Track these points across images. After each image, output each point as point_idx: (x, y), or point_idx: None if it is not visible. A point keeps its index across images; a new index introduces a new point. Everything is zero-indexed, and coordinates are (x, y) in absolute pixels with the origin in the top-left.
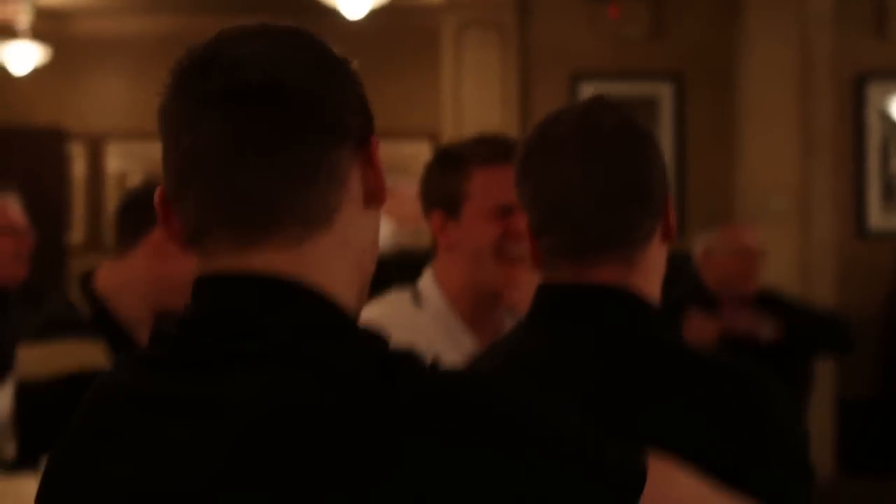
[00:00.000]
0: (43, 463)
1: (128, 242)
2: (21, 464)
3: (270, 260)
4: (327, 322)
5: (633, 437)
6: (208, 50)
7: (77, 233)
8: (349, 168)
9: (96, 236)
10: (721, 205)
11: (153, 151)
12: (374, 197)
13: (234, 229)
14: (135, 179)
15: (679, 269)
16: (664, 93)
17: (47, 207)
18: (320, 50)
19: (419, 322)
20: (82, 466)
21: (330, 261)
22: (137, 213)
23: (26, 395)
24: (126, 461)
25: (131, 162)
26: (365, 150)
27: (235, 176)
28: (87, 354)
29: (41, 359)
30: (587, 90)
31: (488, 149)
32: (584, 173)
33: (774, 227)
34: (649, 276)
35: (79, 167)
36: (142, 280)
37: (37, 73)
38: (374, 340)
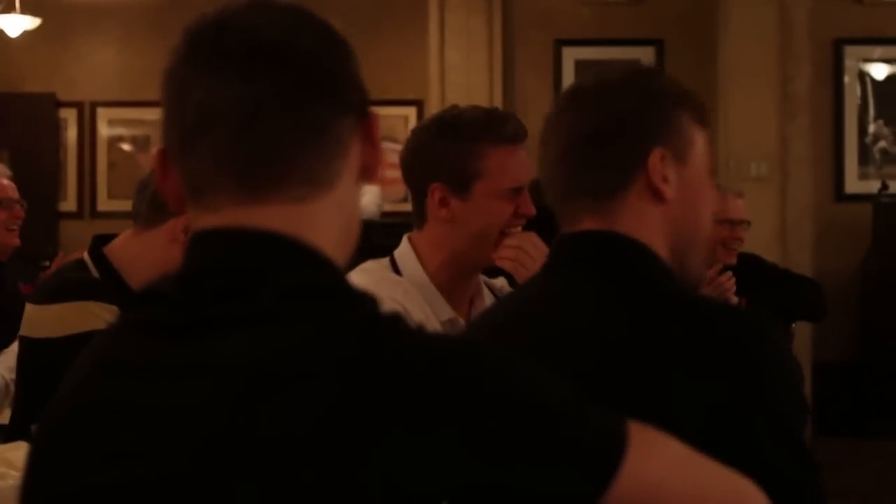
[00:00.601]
0: (33, 431)
1: (153, 220)
2: (16, 430)
3: (271, 217)
4: (322, 281)
5: (642, 378)
6: (221, 17)
7: (69, 199)
8: (350, 139)
9: (88, 202)
10: None
11: (144, 117)
12: (368, 173)
13: (243, 183)
14: (125, 145)
15: None
16: (646, 58)
17: (40, 174)
18: (324, 25)
19: (400, 291)
20: (75, 437)
21: (327, 222)
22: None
23: (34, 356)
24: (123, 431)
25: (122, 128)
26: (364, 126)
27: (251, 132)
28: (101, 316)
29: (52, 319)
30: (570, 55)
31: (505, 127)
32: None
33: (754, 192)
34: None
35: (71, 134)
36: (155, 260)
37: (28, 40)
38: (366, 301)
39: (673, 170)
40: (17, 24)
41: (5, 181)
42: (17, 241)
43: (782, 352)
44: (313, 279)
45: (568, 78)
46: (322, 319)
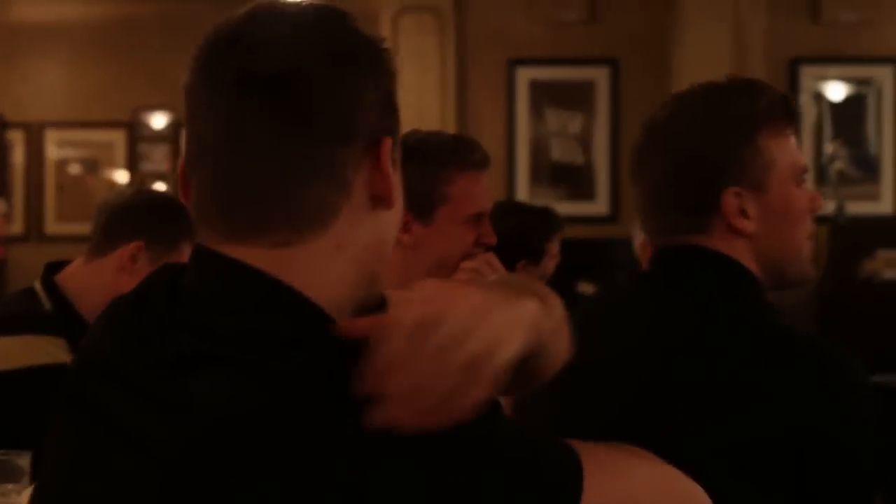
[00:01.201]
0: None
1: (103, 248)
2: None
3: (257, 257)
4: (295, 331)
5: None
6: (233, 31)
7: (16, 222)
8: (355, 169)
9: (35, 225)
10: None
11: (93, 139)
12: (382, 201)
13: (227, 223)
14: (74, 167)
15: (620, 255)
16: (600, 78)
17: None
18: (349, 36)
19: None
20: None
21: (321, 264)
22: (121, 221)
23: None
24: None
25: (71, 150)
26: (374, 151)
27: (234, 168)
28: (49, 350)
29: (2, 352)
30: (524, 75)
31: (473, 154)
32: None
33: None
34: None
35: (17, 155)
36: (105, 288)
37: None
38: (335, 355)
39: (752, 203)
40: None
41: None
42: None
43: (859, 380)
44: (282, 327)
45: (522, 98)
46: (255, 369)
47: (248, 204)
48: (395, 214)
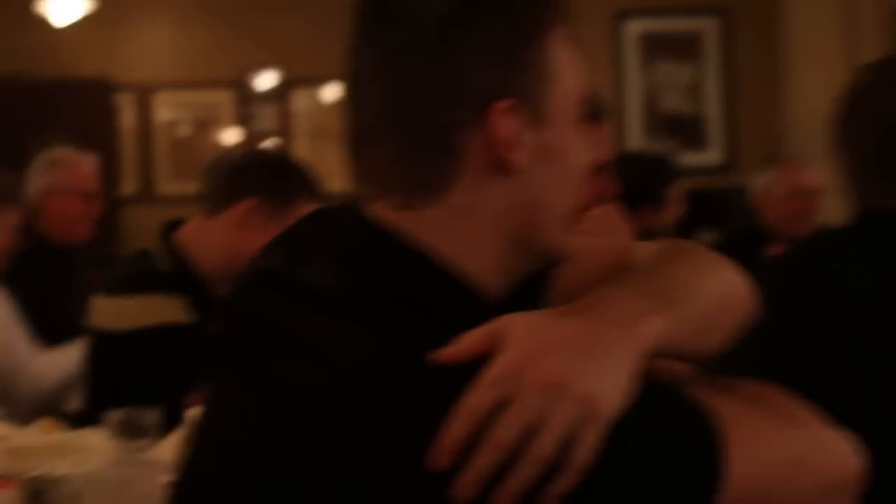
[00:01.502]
0: (108, 417)
1: (218, 206)
2: (86, 417)
3: (391, 218)
4: (438, 299)
5: None
6: None
7: (128, 184)
8: (464, 134)
9: (147, 187)
10: (772, 141)
11: (201, 99)
12: (501, 167)
13: (362, 183)
14: (184, 128)
15: (735, 204)
16: (709, 28)
17: (97, 159)
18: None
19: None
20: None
21: (447, 230)
22: (235, 179)
23: (102, 348)
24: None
25: (180, 111)
26: (489, 115)
27: (356, 130)
28: (165, 309)
29: (119, 312)
30: (631, 28)
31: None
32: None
33: (825, 163)
34: None
35: (127, 118)
36: (222, 246)
37: (82, 24)
38: (464, 319)
39: None
40: (71, 7)
41: (89, 171)
42: (88, 236)
43: None
44: (415, 291)
45: (631, 50)
46: (399, 333)
47: (369, 169)
48: (549, 174)
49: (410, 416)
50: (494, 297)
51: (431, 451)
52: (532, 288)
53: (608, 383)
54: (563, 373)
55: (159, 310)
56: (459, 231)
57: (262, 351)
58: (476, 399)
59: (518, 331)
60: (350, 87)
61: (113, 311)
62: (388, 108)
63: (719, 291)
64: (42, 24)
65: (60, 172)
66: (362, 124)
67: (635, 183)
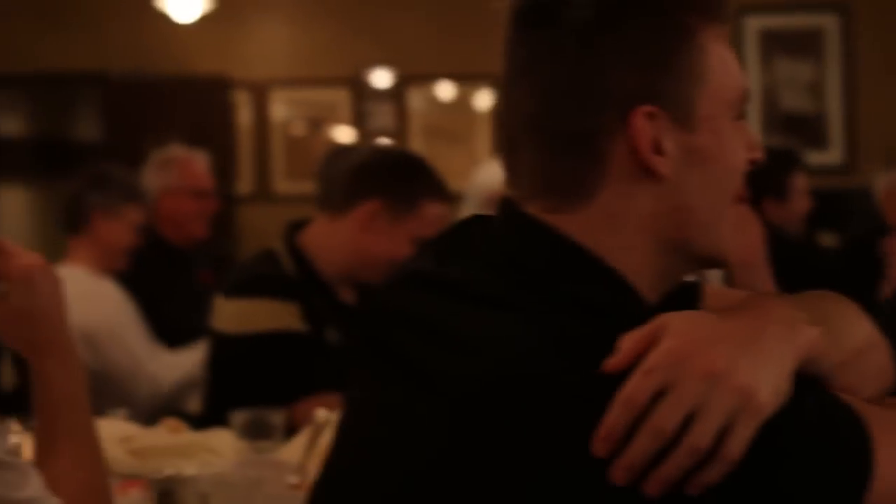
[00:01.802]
0: (231, 418)
1: (342, 207)
2: (207, 418)
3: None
4: (599, 298)
5: None
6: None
7: (244, 182)
8: (609, 140)
9: (263, 186)
10: (894, 140)
11: (317, 97)
12: (646, 172)
13: (512, 185)
14: (299, 126)
15: (856, 205)
16: (830, 25)
17: (213, 157)
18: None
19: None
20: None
21: (597, 234)
22: (359, 180)
23: (220, 350)
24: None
25: (295, 109)
26: (632, 120)
27: (507, 138)
28: (282, 316)
29: (238, 315)
30: (750, 24)
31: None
32: None
33: None
34: None
35: (244, 115)
36: (344, 247)
37: (201, 22)
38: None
39: None
40: (190, 5)
41: (203, 169)
42: (204, 234)
43: None
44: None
45: (751, 46)
46: (556, 328)
47: (517, 171)
48: (699, 177)
49: (571, 406)
50: (649, 300)
51: (590, 440)
52: (685, 294)
53: (767, 378)
54: (724, 363)
55: (277, 315)
56: (609, 235)
57: (415, 348)
58: (636, 386)
59: (679, 323)
60: (501, 91)
61: (232, 314)
62: (533, 113)
63: (867, 336)
64: (160, 21)
65: (173, 171)
66: (511, 128)
67: (757, 174)
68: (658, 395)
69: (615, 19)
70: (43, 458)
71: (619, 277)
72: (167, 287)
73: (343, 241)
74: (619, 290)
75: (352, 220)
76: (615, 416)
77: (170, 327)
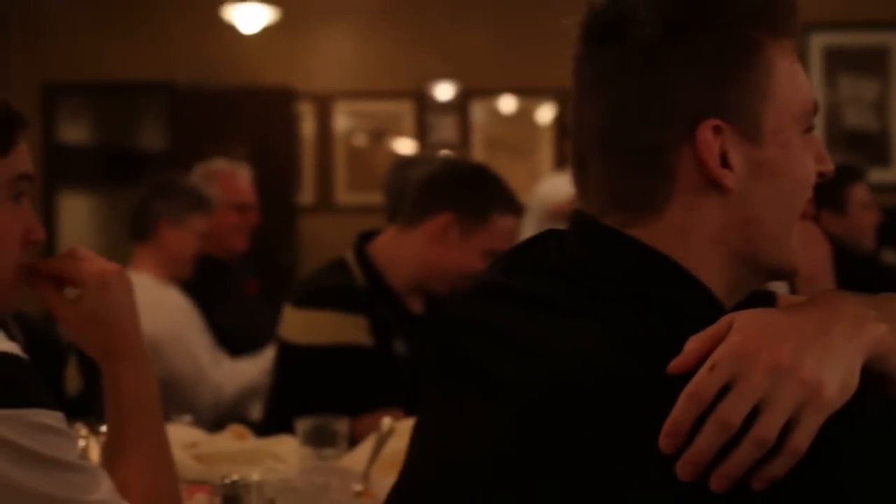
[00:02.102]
0: (296, 425)
1: (413, 219)
2: (270, 424)
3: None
4: (674, 302)
5: None
6: (606, 8)
7: (307, 192)
8: (676, 154)
9: (325, 196)
10: None
11: (380, 109)
12: (713, 186)
13: (584, 203)
14: (361, 138)
15: None
16: (895, 42)
17: (277, 167)
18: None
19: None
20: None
21: (668, 248)
22: (431, 192)
23: (286, 358)
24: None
25: (358, 120)
26: (698, 134)
27: (577, 153)
28: (349, 329)
29: (305, 325)
30: (815, 41)
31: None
32: None
33: None
34: None
35: (307, 126)
36: (414, 259)
37: (265, 34)
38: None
39: None
40: (256, 16)
41: (245, 184)
42: (245, 247)
43: None
44: (648, 292)
45: (815, 64)
46: (626, 330)
47: (588, 185)
48: (767, 190)
49: (637, 406)
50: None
51: (656, 439)
52: (760, 302)
53: (834, 372)
54: (791, 357)
55: (344, 328)
56: (680, 248)
57: (483, 355)
58: (702, 380)
59: (745, 319)
60: (570, 108)
61: (300, 324)
62: (602, 128)
63: None
64: (226, 32)
65: (216, 185)
66: (581, 145)
67: (815, 188)
68: (724, 390)
69: (682, 35)
70: (113, 462)
71: (698, 282)
72: (212, 298)
73: (414, 253)
74: (699, 294)
75: (423, 232)
76: (681, 411)
77: (216, 338)
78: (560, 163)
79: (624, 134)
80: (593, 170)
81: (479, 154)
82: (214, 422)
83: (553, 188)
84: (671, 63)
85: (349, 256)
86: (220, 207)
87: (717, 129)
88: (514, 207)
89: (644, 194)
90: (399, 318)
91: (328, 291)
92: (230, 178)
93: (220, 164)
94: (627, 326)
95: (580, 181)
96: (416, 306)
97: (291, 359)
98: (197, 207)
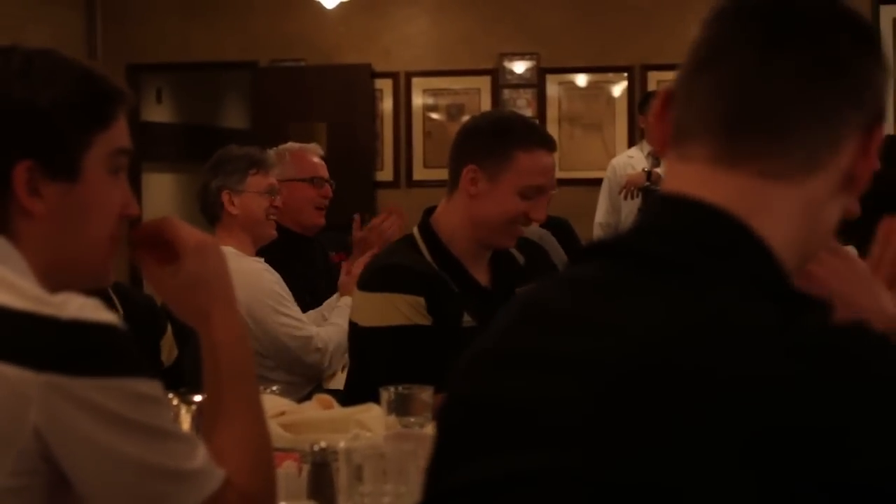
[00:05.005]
0: (381, 393)
1: (452, 182)
2: (353, 396)
3: (731, 189)
4: (745, 274)
5: None
6: None
7: (385, 168)
8: (849, 137)
9: (405, 172)
10: None
11: (457, 86)
12: (852, 184)
13: (726, 132)
14: (439, 114)
15: None
16: None
17: (356, 144)
18: (865, 22)
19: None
20: (483, 379)
21: (782, 214)
22: (455, 152)
23: (356, 340)
24: (520, 377)
25: (436, 97)
26: (868, 135)
27: (752, 79)
28: (405, 311)
29: (367, 308)
30: (887, 12)
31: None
32: None
33: None
34: None
35: (386, 104)
36: (463, 222)
37: (344, 12)
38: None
39: None
40: None
41: (316, 159)
42: (322, 221)
43: None
44: (738, 270)
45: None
46: (695, 301)
47: (759, 117)
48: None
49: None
50: None
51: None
52: None
53: None
54: None
55: (400, 310)
56: (792, 220)
57: (552, 333)
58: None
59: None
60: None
61: (361, 307)
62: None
63: None
64: (306, 11)
65: (288, 163)
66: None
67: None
68: None
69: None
70: (211, 429)
71: (770, 260)
72: (295, 271)
73: (461, 216)
74: (766, 268)
75: (460, 192)
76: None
77: (302, 307)
78: (633, 137)
79: (831, 98)
80: (761, 116)
81: (553, 128)
82: (304, 394)
83: (627, 161)
84: (866, 61)
85: (416, 232)
86: (293, 182)
87: (880, 133)
88: (539, 141)
89: (810, 155)
90: (466, 291)
91: (385, 273)
92: (301, 155)
93: (290, 146)
94: (697, 301)
95: (719, 125)
96: (483, 277)
97: (359, 342)
98: (251, 168)
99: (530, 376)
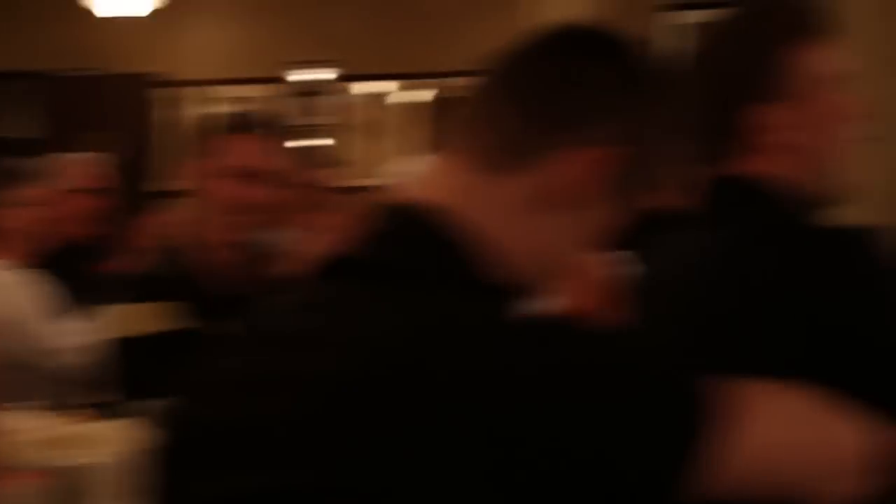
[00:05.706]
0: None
1: None
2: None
3: (428, 190)
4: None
5: None
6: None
7: (156, 180)
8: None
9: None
10: None
11: (249, 97)
12: (550, 200)
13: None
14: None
15: None
16: None
17: (137, 153)
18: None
19: None
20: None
21: (493, 207)
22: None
23: (129, 349)
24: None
25: (221, 107)
26: (588, 154)
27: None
28: (171, 315)
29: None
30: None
31: None
32: None
33: None
34: None
35: (172, 113)
36: None
37: (129, 21)
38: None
39: None
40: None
41: (92, 170)
42: (93, 231)
43: None
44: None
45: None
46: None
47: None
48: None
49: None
50: None
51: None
52: None
53: None
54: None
55: (166, 315)
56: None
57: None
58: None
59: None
60: None
61: (132, 316)
62: None
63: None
64: (84, 19)
65: (65, 174)
66: None
67: None
68: None
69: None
70: None
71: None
72: (72, 280)
73: None
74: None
75: None
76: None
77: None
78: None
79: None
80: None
81: (350, 137)
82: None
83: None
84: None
85: None
86: (72, 192)
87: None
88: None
89: (523, 141)
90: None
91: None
92: (79, 165)
93: (69, 156)
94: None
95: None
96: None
97: (134, 349)
98: (18, 180)
99: (251, 397)
